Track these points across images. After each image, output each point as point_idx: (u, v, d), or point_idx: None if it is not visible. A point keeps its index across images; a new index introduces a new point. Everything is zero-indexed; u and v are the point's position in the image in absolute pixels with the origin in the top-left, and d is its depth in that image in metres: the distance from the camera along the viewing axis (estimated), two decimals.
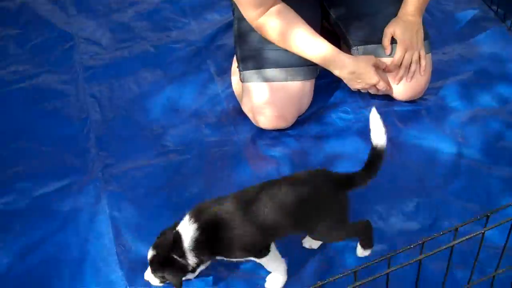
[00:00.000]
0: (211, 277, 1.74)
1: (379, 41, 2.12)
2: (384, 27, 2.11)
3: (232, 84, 2.28)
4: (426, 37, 2.14)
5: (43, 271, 1.79)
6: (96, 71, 2.42)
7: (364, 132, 2.11)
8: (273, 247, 1.65)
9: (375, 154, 1.60)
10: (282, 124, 2.12)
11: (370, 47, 2.14)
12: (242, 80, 2.12)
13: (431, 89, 2.23)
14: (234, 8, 2.16)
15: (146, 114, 2.25)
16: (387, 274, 1.27)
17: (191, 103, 2.28)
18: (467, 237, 1.29)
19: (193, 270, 1.61)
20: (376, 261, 1.23)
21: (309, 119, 2.19)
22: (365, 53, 2.13)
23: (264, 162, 2.08)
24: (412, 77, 2.13)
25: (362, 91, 2.12)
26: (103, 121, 2.22)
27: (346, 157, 2.05)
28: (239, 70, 2.14)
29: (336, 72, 2.02)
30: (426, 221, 1.86)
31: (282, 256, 1.69)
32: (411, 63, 2.10)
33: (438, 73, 2.28)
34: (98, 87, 2.35)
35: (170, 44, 2.53)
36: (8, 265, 1.81)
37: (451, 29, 2.55)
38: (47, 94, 2.34)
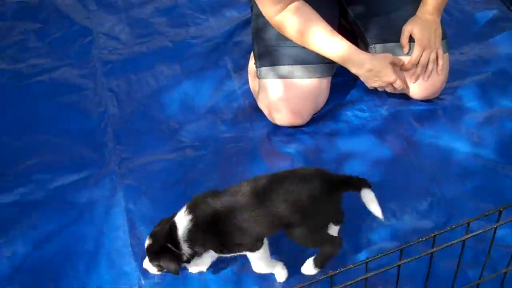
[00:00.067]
0: (223, 271, 1.75)
1: (397, 40, 2.12)
2: (402, 26, 2.11)
3: (249, 80, 2.29)
4: (444, 36, 2.14)
5: (58, 262, 1.81)
6: (114, 65, 2.44)
7: (379, 130, 2.13)
8: (265, 242, 1.65)
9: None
10: (297, 121, 2.13)
11: (388, 45, 2.14)
12: (259, 76, 2.13)
13: (447, 88, 2.23)
14: (252, 5, 2.17)
15: (163, 109, 2.27)
16: (399, 266, 1.28)
17: (207, 99, 2.30)
18: (479, 231, 1.29)
19: (188, 261, 1.62)
20: (389, 252, 1.24)
21: (325, 116, 2.20)
22: (382, 51, 2.13)
23: (279, 158, 2.09)
24: (429, 76, 2.12)
25: (379, 89, 2.11)
26: (121, 116, 2.24)
27: (360, 155, 2.05)
28: (256, 67, 2.14)
29: (353, 70, 2.02)
30: (440, 219, 1.86)
31: (292, 248, 1.69)
32: (428, 62, 2.10)
33: (455, 73, 2.28)
34: (116, 82, 2.37)
35: (188, 39, 2.54)
36: (24, 255, 1.83)
37: (469, 29, 2.53)
38: (65, 88, 2.36)
